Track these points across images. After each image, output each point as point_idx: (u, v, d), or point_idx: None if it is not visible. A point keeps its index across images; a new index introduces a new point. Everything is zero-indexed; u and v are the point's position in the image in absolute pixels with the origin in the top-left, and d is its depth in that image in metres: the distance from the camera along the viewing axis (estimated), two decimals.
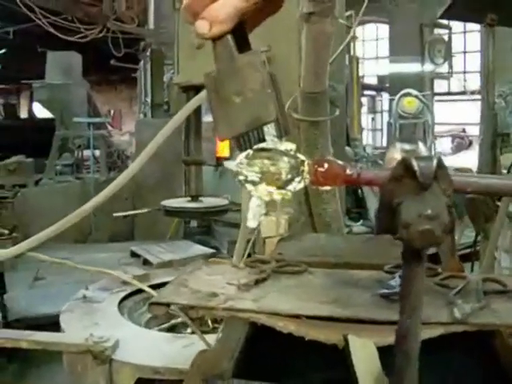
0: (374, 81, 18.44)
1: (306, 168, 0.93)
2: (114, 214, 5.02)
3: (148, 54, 10.99)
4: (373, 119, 19.74)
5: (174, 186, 6.84)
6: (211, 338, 1.32)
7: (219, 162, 8.24)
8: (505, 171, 5.27)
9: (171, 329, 2.96)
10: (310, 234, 2.29)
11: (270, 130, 0.92)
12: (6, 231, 5.47)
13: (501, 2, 4.48)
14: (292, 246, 1.65)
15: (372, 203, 7.96)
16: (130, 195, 7.64)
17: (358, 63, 12.41)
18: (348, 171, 0.96)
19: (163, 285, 1.69)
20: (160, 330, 2.92)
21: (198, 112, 2.91)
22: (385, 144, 15.19)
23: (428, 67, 13.64)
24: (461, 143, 18.92)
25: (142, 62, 12.31)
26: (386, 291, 1.13)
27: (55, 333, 2.65)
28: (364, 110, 16.88)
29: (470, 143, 18.26)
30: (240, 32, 0.90)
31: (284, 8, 0.98)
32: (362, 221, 8.04)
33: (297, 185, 0.93)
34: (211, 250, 5.72)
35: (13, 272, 5.19)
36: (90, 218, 6.96)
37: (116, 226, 7.86)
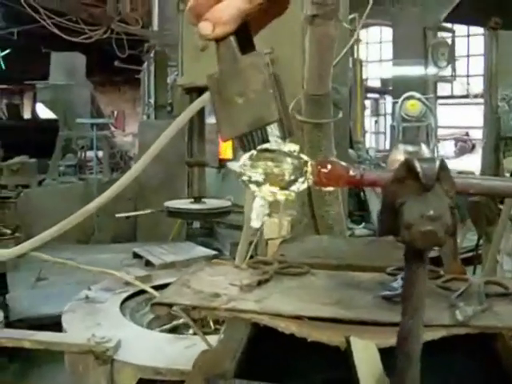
0: (377, 84, 18.42)
1: (310, 169, 0.94)
2: (117, 215, 5.03)
3: (152, 55, 11.00)
4: (376, 122, 19.71)
5: (177, 187, 6.84)
6: (213, 339, 1.32)
7: (222, 163, 8.25)
8: (508, 174, 5.27)
9: (173, 330, 2.96)
10: (313, 235, 2.29)
11: (273, 131, 0.92)
12: (9, 231, 5.49)
13: (505, 5, 4.48)
14: (294, 247, 1.65)
15: (374, 206, 7.95)
16: (133, 196, 7.64)
17: (361, 66, 12.42)
18: (351, 172, 0.96)
19: (165, 286, 1.70)
20: (162, 331, 2.92)
21: (201, 114, 2.92)
22: (388, 147, 15.19)
23: (431, 70, 13.64)
24: (464, 146, 18.89)
25: (145, 64, 12.33)
26: (388, 293, 1.13)
27: (57, 333, 2.65)
28: (367, 112, 16.86)
29: (473, 147, 18.23)
30: (244, 33, 0.91)
31: (288, 10, 0.98)
32: (364, 223, 8.03)
33: (300, 185, 0.94)
34: (213, 252, 5.71)
35: (15, 272, 5.21)
36: (92, 218, 6.96)
37: (119, 226, 7.87)
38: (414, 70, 13.32)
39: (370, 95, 17.21)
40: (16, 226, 5.73)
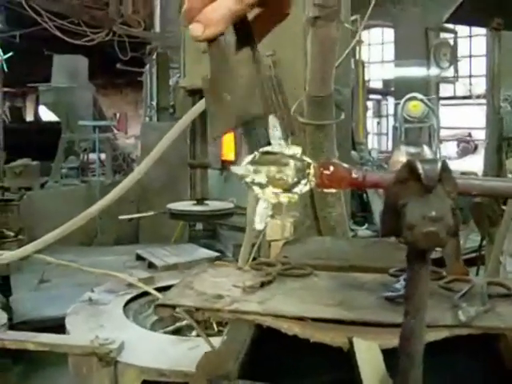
0: (379, 85, 18.41)
1: (312, 171, 0.94)
2: (120, 217, 5.04)
3: (154, 57, 11.03)
4: (378, 123, 19.70)
5: (180, 189, 6.86)
6: (216, 341, 1.33)
7: (224, 165, 8.26)
8: (510, 175, 5.27)
9: (176, 331, 2.97)
10: (315, 237, 2.30)
11: (275, 134, 0.93)
12: (12, 234, 5.50)
13: (507, 6, 4.48)
14: (297, 249, 1.66)
15: (377, 207, 7.96)
16: (136, 198, 7.65)
17: (363, 67, 12.42)
18: (353, 174, 0.96)
19: (168, 288, 1.70)
20: (165, 333, 2.93)
21: (203, 115, 2.92)
22: (390, 148, 15.19)
23: (433, 71, 13.64)
24: (466, 147, 18.87)
25: (147, 66, 12.36)
26: (390, 294, 1.13)
27: (61, 335, 2.65)
28: (369, 114, 16.85)
29: (476, 147, 18.21)
30: (244, 30, 0.91)
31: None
32: (367, 225, 8.04)
33: (303, 187, 0.94)
34: (216, 254, 5.73)
35: (18, 274, 5.22)
36: (95, 220, 6.98)
37: (121, 229, 7.88)
38: (416, 71, 13.32)
39: (372, 96, 17.20)
40: (19, 228, 5.74)
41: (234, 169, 0.95)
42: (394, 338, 0.85)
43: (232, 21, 0.86)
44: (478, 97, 15.61)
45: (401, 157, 8.83)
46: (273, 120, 0.93)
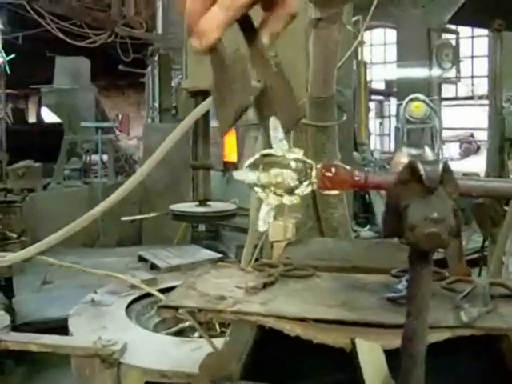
0: (381, 86, 18.40)
1: (314, 172, 0.94)
2: (122, 219, 5.04)
3: (156, 59, 11.05)
4: (380, 124, 19.70)
5: (182, 190, 6.87)
6: (219, 342, 1.33)
7: (227, 166, 8.27)
8: None
9: (179, 333, 2.97)
10: (318, 238, 2.30)
11: (277, 135, 0.93)
12: (15, 235, 5.51)
13: (508, 7, 4.48)
14: (299, 250, 1.66)
15: (379, 208, 7.95)
16: (138, 200, 7.66)
17: (365, 68, 12.42)
18: (355, 176, 0.97)
19: (171, 289, 1.70)
20: (168, 334, 2.92)
21: (206, 117, 2.93)
22: (392, 149, 15.17)
23: (436, 72, 13.63)
24: (469, 148, 18.85)
25: (149, 67, 12.38)
26: (393, 295, 1.13)
27: (63, 336, 2.65)
28: (372, 114, 16.85)
29: (478, 148, 18.18)
30: (247, 24, 0.93)
31: None
32: (369, 226, 8.04)
33: (305, 189, 0.94)
34: (219, 255, 5.73)
35: (21, 276, 5.23)
36: (97, 222, 6.97)
37: (124, 230, 7.89)
38: (419, 72, 13.31)
39: (374, 97, 17.19)
40: (22, 230, 5.75)
41: (237, 174, 0.96)
42: (396, 338, 0.85)
43: (226, 27, 0.88)
44: (480, 97, 15.60)
45: (402, 158, 8.82)
46: (274, 122, 0.93)
